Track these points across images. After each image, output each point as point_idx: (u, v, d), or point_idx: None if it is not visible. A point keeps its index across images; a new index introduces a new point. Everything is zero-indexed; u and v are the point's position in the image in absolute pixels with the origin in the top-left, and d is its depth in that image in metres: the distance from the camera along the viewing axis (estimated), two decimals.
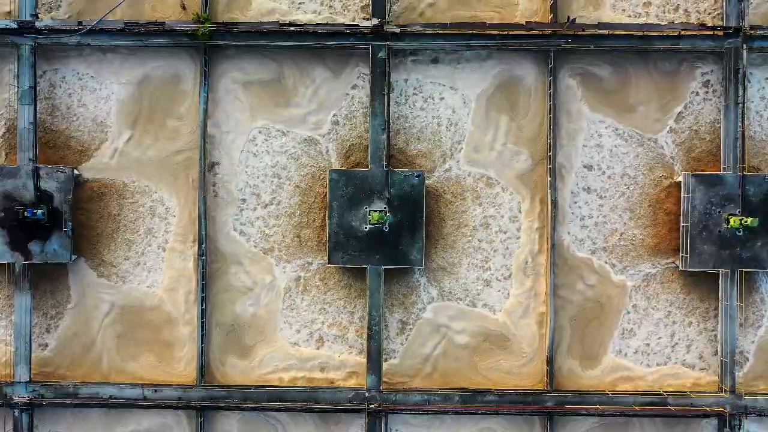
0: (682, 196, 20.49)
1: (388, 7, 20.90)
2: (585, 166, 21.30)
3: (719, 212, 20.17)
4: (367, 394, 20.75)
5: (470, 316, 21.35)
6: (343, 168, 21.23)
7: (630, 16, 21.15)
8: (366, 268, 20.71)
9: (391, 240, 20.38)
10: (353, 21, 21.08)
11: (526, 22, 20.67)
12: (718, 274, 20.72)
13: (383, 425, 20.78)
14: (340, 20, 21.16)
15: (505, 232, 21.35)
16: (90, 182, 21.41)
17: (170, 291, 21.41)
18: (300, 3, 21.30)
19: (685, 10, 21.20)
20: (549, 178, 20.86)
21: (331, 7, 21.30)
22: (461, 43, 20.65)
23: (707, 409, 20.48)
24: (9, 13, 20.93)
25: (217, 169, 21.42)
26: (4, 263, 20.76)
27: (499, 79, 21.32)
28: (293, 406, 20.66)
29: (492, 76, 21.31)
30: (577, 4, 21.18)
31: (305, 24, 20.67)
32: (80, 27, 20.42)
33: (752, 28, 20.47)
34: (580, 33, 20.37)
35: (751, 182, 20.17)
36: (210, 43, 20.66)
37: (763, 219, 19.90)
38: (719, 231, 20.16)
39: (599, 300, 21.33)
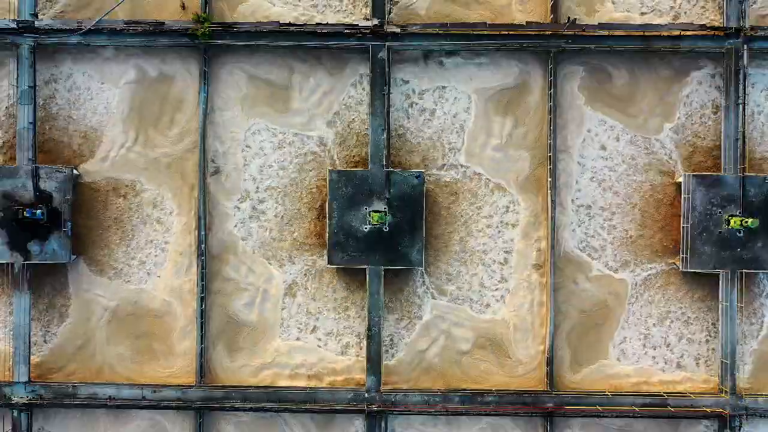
0: (682, 197, 20.44)
1: (388, 7, 20.90)
2: (585, 167, 21.26)
3: (719, 213, 20.14)
4: (366, 394, 20.71)
5: (470, 317, 21.31)
6: (343, 168, 21.20)
7: (632, 13, 21.17)
8: (366, 268, 20.69)
9: (391, 240, 20.35)
10: (353, 21, 21.06)
11: (526, 22, 20.65)
12: (719, 274, 20.68)
13: (383, 425, 20.75)
14: (327, 18, 21.14)
15: (505, 233, 21.32)
16: (89, 182, 21.38)
17: (169, 290, 21.38)
18: (293, 3, 21.33)
19: (683, 11, 21.22)
20: (549, 179, 20.83)
21: (314, 5, 21.29)
22: (461, 43, 20.61)
23: (707, 410, 20.45)
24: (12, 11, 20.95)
25: (217, 169, 21.39)
26: (4, 263, 20.73)
27: (499, 79, 21.28)
28: (292, 407, 20.64)
29: (493, 77, 21.27)
30: (576, 5, 21.18)
31: (305, 24, 20.66)
32: (80, 27, 20.39)
33: (752, 28, 20.46)
34: (580, 33, 20.36)
35: (751, 183, 20.15)
36: (210, 43, 20.64)
37: (763, 220, 19.88)
38: (719, 232, 20.13)
39: (599, 300, 21.29)
